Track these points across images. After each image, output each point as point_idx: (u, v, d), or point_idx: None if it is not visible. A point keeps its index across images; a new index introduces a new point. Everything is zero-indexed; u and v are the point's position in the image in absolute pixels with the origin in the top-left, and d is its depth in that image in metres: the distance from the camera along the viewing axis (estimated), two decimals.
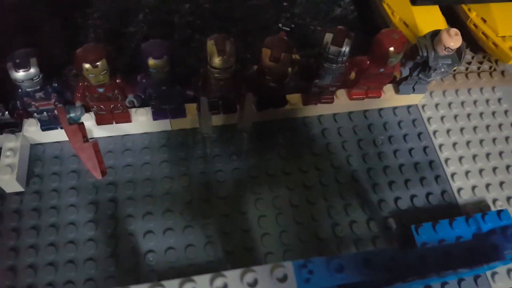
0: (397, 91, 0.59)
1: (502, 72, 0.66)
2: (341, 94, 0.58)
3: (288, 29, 0.69)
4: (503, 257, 0.33)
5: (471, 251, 0.32)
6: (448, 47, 0.50)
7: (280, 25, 0.70)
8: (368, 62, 0.52)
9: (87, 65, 0.42)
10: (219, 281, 0.30)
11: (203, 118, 0.49)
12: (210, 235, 0.49)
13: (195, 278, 0.30)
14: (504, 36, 0.62)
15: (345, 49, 0.47)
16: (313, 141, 0.57)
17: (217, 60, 0.45)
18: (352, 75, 0.55)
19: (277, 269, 0.31)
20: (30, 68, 0.42)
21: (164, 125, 0.54)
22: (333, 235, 0.50)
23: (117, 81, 0.46)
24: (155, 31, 0.65)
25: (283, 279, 0.31)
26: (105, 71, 0.43)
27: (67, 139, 0.48)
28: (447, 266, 0.32)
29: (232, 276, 0.31)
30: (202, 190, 0.52)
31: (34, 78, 0.43)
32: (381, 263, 0.31)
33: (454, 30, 0.50)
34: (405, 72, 0.56)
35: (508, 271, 0.49)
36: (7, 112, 0.48)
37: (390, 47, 0.49)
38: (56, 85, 0.46)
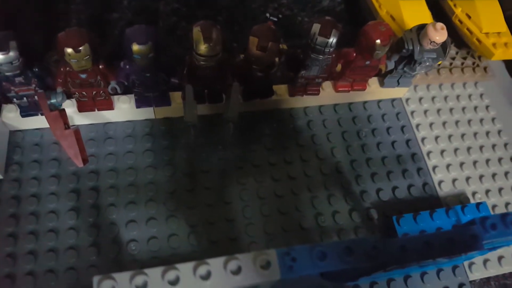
0: (382, 84, 0.59)
1: (485, 68, 0.67)
2: (327, 86, 0.58)
3: (275, 19, 0.69)
4: (481, 247, 0.33)
5: (451, 241, 0.33)
6: (434, 41, 0.51)
7: (267, 15, 0.70)
8: (354, 54, 0.52)
9: (69, 50, 0.41)
10: (202, 269, 0.30)
11: (188, 106, 0.48)
12: (194, 225, 0.49)
13: (178, 266, 0.30)
14: (487, 33, 0.63)
15: (332, 40, 0.47)
16: (299, 132, 0.57)
17: (203, 47, 0.44)
18: (339, 67, 0.55)
19: (260, 256, 0.31)
20: (9, 51, 0.41)
21: (147, 113, 0.53)
22: (316, 225, 0.51)
23: (100, 66, 0.45)
24: (140, 18, 0.64)
25: (267, 266, 0.31)
26: (87, 56, 0.42)
27: (47, 126, 0.47)
28: (427, 255, 0.32)
29: (215, 264, 0.31)
30: (186, 180, 0.51)
31: (14, 62, 0.42)
32: (363, 251, 0.32)
33: (440, 25, 0.51)
34: (391, 65, 0.56)
35: (485, 261, 0.51)
36: None
37: (377, 39, 0.49)
38: (36, 70, 0.45)
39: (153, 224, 0.48)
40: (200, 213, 0.49)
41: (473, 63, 0.67)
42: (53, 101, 0.45)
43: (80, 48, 0.41)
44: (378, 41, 0.49)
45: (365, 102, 0.61)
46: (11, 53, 0.41)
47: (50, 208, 0.48)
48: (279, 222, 0.50)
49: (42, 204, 0.48)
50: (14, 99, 0.48)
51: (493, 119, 0.62)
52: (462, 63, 0.67)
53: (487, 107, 0.63)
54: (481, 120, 0.62)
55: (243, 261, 0.31)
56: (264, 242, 0.49)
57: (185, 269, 0.30)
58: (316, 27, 0.47)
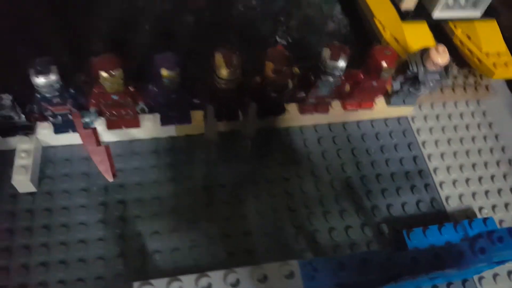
0: (388, 103, 0.63)
1: (487, 86, 0.70)
2: (336, 105, 0.61)
3: (284, 42, 0.73)
4: (489, 260, 0.36)
5: (460, 254, 0.35)
6: (437, 63, 0.54)
7: (277, 37, 0.73)
8: (362, 76, 0.56)
9: (104, 74, 0.44)
10: (231, 277, 0.33)
11: (209, 125, 0.51)
12: (212, 237, 0.51)
13: (210, 273, 0.33)
14: (487, 53, 0.66)
15: (342, 63, 0.51)
16: (310, 148, 0.60)
17: (224, 72, 0.48)
18: (347, 87, 0.59)
19: (284, 267, 0.34)
20: (50, 75, 0.45)
21: (170, 131, 0.57)
22: (330, 239, 0.53)
23: (130, 89, 0.49)
24: (161, 41, 0.68)
25: (290, 276, 0.33)
26: (121, 80, 0.46)
27: (78, 142, 0.51)
28: (437, 267, 0.35)
29: (243, 272, 0.33)
30: (205, 194, 0.54)
31: (54, 85, 0.45)
32: (378, 262, 0.34)
33: (442, 47, 0.54)
34: (396, 85, 0.60)
35: (494, 275, 0.53)
36: (23, 116, 0.50)
37: (383, 62, 0.52)
38: (73, 91, 0.48)
39: (176, 236, 0.51)
40: (218, 225, 0.52)
41: (475, 82, 0.70)
42: (86, 120, 0.48)
43: (115, 72, 0.44)
44: (384, 64, 0.52)
45: (372, 120, 0.64)
46: (52, 77, 0.45)
47: (80, 220, 0.51)
48: (293, 235, 0.53)
49: (72, 216, 0.51)
50: (50, 118, 0.51)
51: (496, 136, 0.65)
52: (464, 82, 0.70)
53: (490, 124, 0.66)
54: (485, 137, 0.65)
55: (269, 270, 0.34)
56: (278, 255, 0.51)
57: (216, 276, 0.33)
58: (326, 52, 0.51)
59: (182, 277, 0.32)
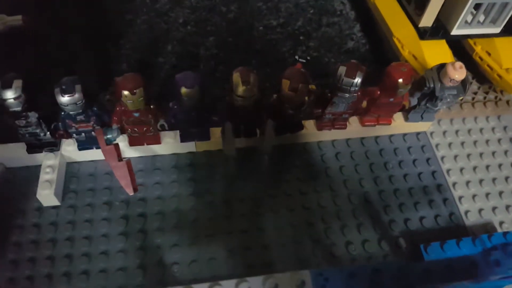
0: (406, 119, 0.63)
1: (507, 102, 0.69)
2: (354, 120, 0.62)
3: (304, 60, 0.74)
4: (504, 273, 0.35)
5: (473, 265, 0.35)
6: (453, 79, 0.54)
7: (296, 57, 0.75)
8: (378, 92, 0.57)
9: (126, 92, 0.47)
10: (243, 286, 0.34)
11: (227, 141, 0.53)
12: (231, 249, 0.52)
13: (222, 282, 0.34)
14: (508, 68, 0.65)
15: (357, 80, 0.52)
16: (327, 163, 0.61)
17: (241, 90, 0.50)
18: (364, 103, 0.59)
19: (296, 276, 0.34)
20: (75, 94, 0.47)
21: (190, 147, 0.59)
22: (347, 253, 0.53)
23: (151, 107, 0.51)
24: (183, 62, 0.71)
25: (301, 285, 0.34)
26: (141, 98, 0.48)
27: (101, 158, 0.53)
28: (450, 278, 0.34)
29: (255, 281, 0.34)
30: (223, 207, 0.55)
31: (78, 103, 0.48)
32: (389, 273, 0.35)
33: (458, 64, 0.54)
34: (414, 101, 0.60)
35: None
36: (48, 133, 0.53)
37: (399, 79, 0.53)
38: (96, 109, 0.51)
39: (194, 248, 0.52)
40: (236, 238, 0.53)
41: (496, 97, 0.70)
42: (109, 136, 0.51)
43: (136, 91, 0.47)
44: (400, 80, 0.53)
45: (391, 136, 0.64)
46: (76, 95, 0.47)
47: (102, 232, 0.53)
48: (310, 249, 0.53)
49: (95, 228, 0.53)
50: (74, 134, 0.54)
51: None
52: (485, 98, 0.70)
53: (511, 139, 0.65)
54: (506, 152, 0.64)
55: (280, 280, 0.35)
56: (296, 268, 0.51)
57: (228, 285, 0.34)
58: (342, 69, 0.52)
59: (195, 286, 0.33)
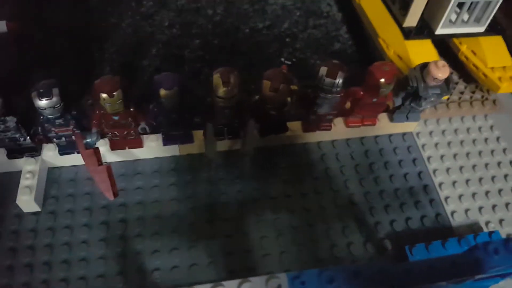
0: (391, 119, 0.62)
1: (494, 101, 0.69)
2: (339, 122, 0.62)
3: (289, 62, 0.74)
4: (485, 271, 0.35)
5: (454, 264, 0.34)
6: (437, 78, 0.54)
7: (282, 59, 0.74)
8: (361, 93, 0.56)
9: (104, 95, 0.46)
10: None
11: (209, 143, 0.52)
12: (213, 255, 0.51)
13: (197, 287, 0.33)
14: (492, 67, 0.65)
15: (339, 80, 0.51)
16: (313, 166, 0.60)
17: (222, 91, 0.49)
18: (348, 104, 0.59)
19: (272, 280, 0.33)
20: (52, 97, 0.46)
21: (173, 150, 0.58)
22: (331, 256, 0.52)
23: (131, 109, 0.50)
24: (167, 65, 0.70)
25: None
26: (120, 101, 0.47)
27: (82, 163, 0.52)
28: (432, 279, 0.34)
29: (230, 285, 0.33)
30: (206, 212, 0.55)
31: (56, 106, 0.47)
32: (369, 275, 0.34)
33: (441, 62, 0.54)
34: (398, 101, 0.59)
35: None
36: (28, 138, 0.53)
37: (381, 78, 0.52)
38: (75, 113, 0.50)
39: (176, 254, 0.51)
40: (219, 243, 0.52)
41: (482, 97, 0.70)
42: (88, 140, 0.50)
43: (114, 93, 0.46)
44: (382, 80, 0.52)
45: (376, 137, 0.63)
46: (54, 99, 0.47)
47: (82, 239, 0.52)
48: (294, 253, 0.52)
49: (75, 234, 0.52)
50: (54, 139, 0.53)
51: (504, 150, 0.63)
52: (471, 97, 0.69)
53: (497, 138, 0.65)
54: (492, 151, 0.63)
55: (256, 283, 0.34)
56: (280, 272, 0.51)
57: None
58: (323, 70, 0.51)
59: (195, 286, 0.32)
